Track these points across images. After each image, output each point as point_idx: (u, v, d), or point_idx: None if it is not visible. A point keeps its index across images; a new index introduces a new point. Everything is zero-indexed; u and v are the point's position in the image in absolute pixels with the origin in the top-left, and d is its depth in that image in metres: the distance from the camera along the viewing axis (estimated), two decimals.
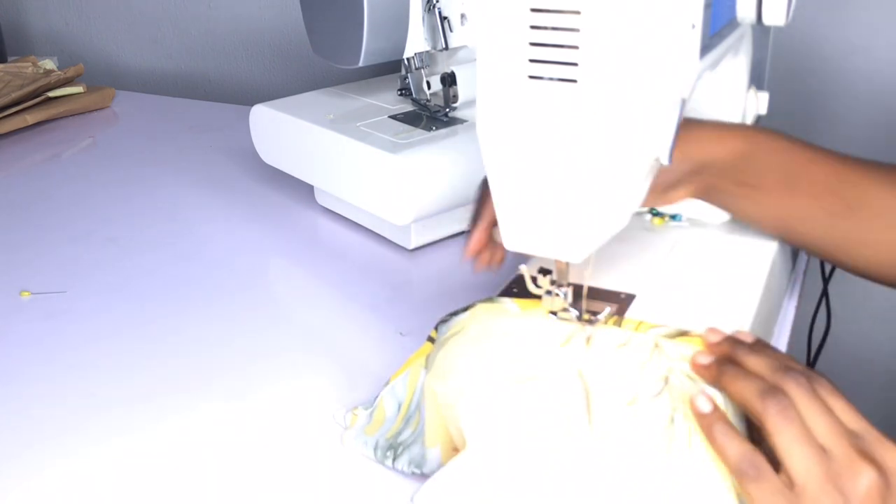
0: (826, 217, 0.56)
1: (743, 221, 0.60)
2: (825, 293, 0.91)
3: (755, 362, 0.44)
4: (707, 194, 0.58)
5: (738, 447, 0.41)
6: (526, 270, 0.50)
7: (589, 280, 0.50)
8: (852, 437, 0.40)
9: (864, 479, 0.39)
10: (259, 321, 0.70)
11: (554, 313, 0.49)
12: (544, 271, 0.49)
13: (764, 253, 0.60)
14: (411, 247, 0.80)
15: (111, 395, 0.60)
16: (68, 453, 0.55)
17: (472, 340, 0.49)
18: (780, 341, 0.63)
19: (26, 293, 0.74)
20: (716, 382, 0.44)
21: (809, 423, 0.40)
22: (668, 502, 0.41)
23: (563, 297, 0.49)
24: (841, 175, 0.56)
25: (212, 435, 0.56)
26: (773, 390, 0.41)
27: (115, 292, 0.75)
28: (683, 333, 0.48)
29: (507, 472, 0.44)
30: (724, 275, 0.57)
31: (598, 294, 0.54)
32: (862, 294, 1.06)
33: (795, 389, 0.41)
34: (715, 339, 0.47)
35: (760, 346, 0.46)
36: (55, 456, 0.55)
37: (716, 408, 0.42)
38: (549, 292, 0.49)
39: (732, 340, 0.46)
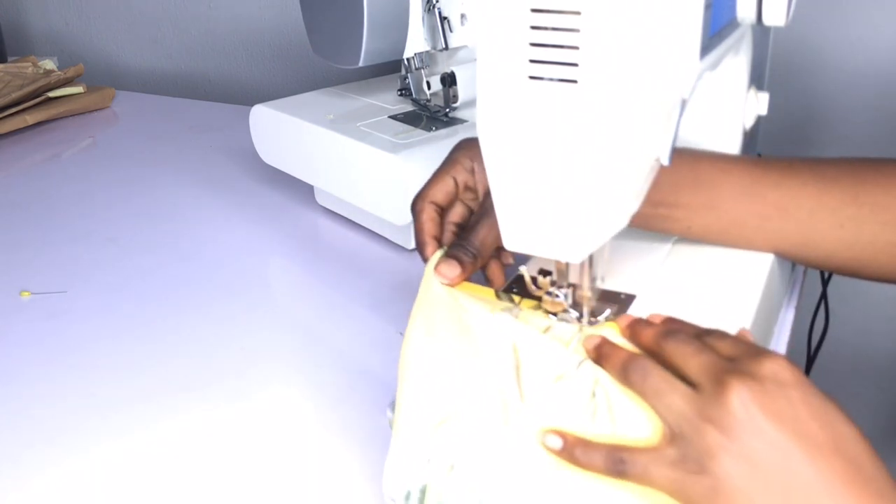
0: (759, 221, 0.55)
1: (681, 236, 0.59)
2: (824, 295, 0.91)
3: (643, 333, 0.44)
4: (639, 223, 0.55)
5: (598, 455, 0.40)
6: (526, 271, 0.50)
7: (599, 283, 0.49)
8: (722, 363, 0.39)
9: (734, 398, 0.37)
10: (259, 321, 0.70)
11: (554, 314, 0.49)
12: (544, 272, 0.49)
13: (764, 253, 0.59)
14: (411, 247, 0.80)
15: (111, 395, 0.61)
16: (68, 453, 0.55)
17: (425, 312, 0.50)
18: (780, 342, 0.63)
19: (26, 293, 0.74)
20: (599, 365, 0.44)
21: (681, 367, 0.40)
22: (595, 477, 0.42)
23: (562, 299, 0.49)
24: (760, 179, 0.55)
25: (212, 435, 0.56)
26: (631, 359, 0.41)
27: (115, 292, 0.75)
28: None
29: (450, 445, 0.45)
30: (725, 275, 0.57)
31: (598, 294, 0.54)
32: (861, 295, 1.06)
33: (670, 345, 0.41)
34: (623, 324, 0.46)
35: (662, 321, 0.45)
36: (55, 456, 0.55)
37: (565, 436, 0.42)
38: (549, 293, 0.49)
39: (636, 321, 0.46)
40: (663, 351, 0.42)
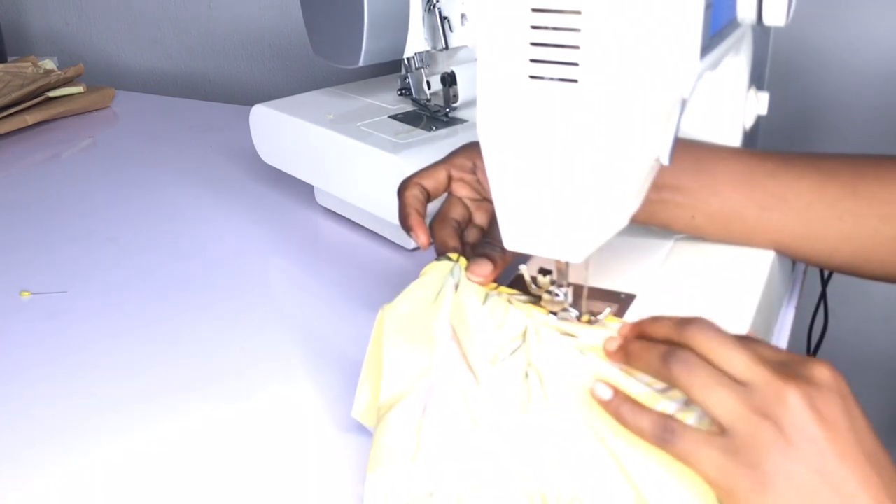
0: (759, 211, 0.55)
1: (677, 231, 0.59)
2: (823, 294, 0.91)
3: (656, 328, 0.44)
4: (645, 213, 0.55)
5: (648, 419, 0.41)
6: (526, 271, 0.50)
7: (590, 280, 0.50)
8: (773, 364, 0.39)
9: (792, 398, 0.37)
10: (259, 321, 0.70)
11: (554, 314, 0.49)
12: (544, 272, 0.49)
13: (764, 252, 0.59)
14: (411, 247, 0.80)
15: (111, 395, 0.60)
16: (68, 453, 0.55)
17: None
18: (780, 342, 0.63)
19: (26, 293, 0.74)
20: (627, 364, 0.44)
21: (724, 364, 0.40)
22: (532, 456, 0.43)
23: (562, 298, 0.49)
24: (756, 168, 0.55)
25: (212, 435, 0.56)
26: (672, 350, 0.41)
27: (115, 292, 0.75)
28: (535, 302, 0.50)
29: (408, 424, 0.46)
30: (725, 274, 0.57)
31: (598, 294, 0.54)
32: (860, 295, 1.06)
33: (701, 336, 0.41)
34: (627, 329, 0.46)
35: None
36: (55, 456, 0.55)
37: (616, 390, 0.42)
38: (549, 293, 0.49)
39: (642, 322, 0.46)
40: (698, 345, 0.41)
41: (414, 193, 0.55)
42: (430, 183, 0.56)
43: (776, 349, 0.42)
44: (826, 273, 0.89)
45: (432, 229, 0.55)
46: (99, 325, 0.70)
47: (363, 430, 0.55)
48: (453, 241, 0.54)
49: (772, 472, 0.37)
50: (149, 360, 0.65)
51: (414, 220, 0.54)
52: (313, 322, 0.71)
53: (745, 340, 0.42)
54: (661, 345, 0.42)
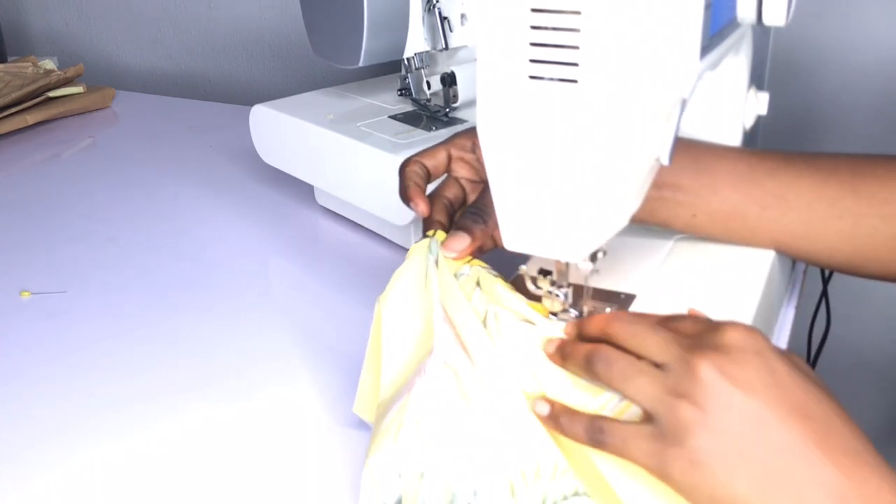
0: (759, 210, 0.55)
1: (678, 230, 0.59)
2: (825, 294, 0.91)
3: (588, 327, 0.44)
4: (646, 211, 0.55)
5: (580, 424, 0.41)
6: (526, 271, 0.50)
7: (590, 280, 0.50)
8: (685, 340, 0.40)
9: (703, 370, 0.38)
10: (259, 321, 0.70)
11: (554, 314, 0.49)
12: (544, 272, 0.49)
13: (764, 252, 0.59)
14: (411, 245, 0.80)
15: (111, 395, 0.60)
16: (68, 453, 0.55)
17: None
18: (780, 342, 0.63)
19: (26, 293, 0.74)
20: (563, 366, 0.44)
21: (641, 350, 0.41)
22: (525, 431, 0.43)
23: (562, 298, 0.49)
24: (756, 167, 0.55)
25: (212, 435, 0.56)
26: (592, 349, 0.42)
27: (115, 292, 0.75)
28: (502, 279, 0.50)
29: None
30: (725, 274, 0.57)
31: (598, 294, 0.54)
32: (861, 295, 1.06)
33: (618, 327, 0.42)
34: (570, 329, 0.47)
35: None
36: (55, 456, 0.55)
37: (553, 403, 0.43)
38: (549, 293, 0.49)
39: (579, 323, 0.46)
40: (616, 336, 0.42)
41: (414, 169, 0.55)
42: (430, 162, 0.56)
43: (698, 320, 0.42)
44: (827, 272, 0.89)
45: None
46: (99, 325, 0.70)
47: (364, 429, 0.55)
48: (440, 217, 0.54)
49: (698, 448, 0.37)
50: (149, 360, 0.65)
51: (413, 190, 0.54)
52: (313, 322, 0.71)
53: (665, 320, 0.42)
54: (586, 344, 0.43)
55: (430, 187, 0.57)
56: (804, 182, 0.54)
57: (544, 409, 0.43)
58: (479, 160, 0.57)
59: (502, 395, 0.45)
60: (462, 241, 0.51)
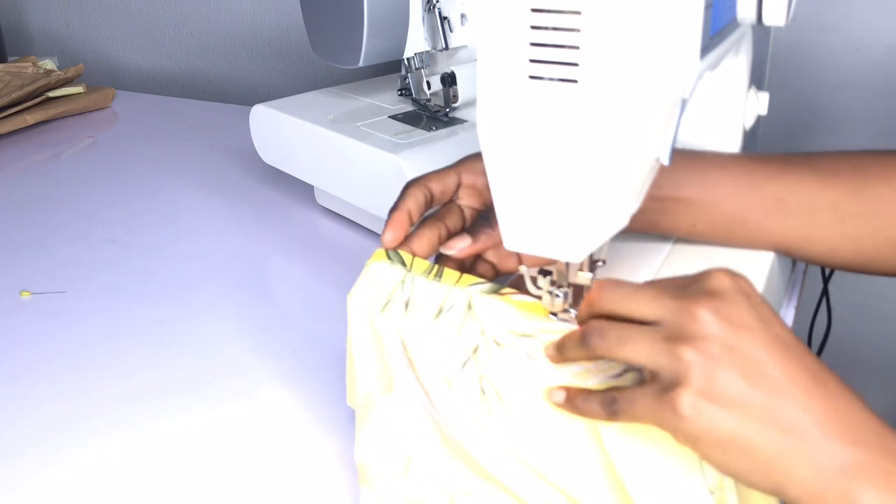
0: (760, 216, 0.55)
1: (680, 237, 0.59)
2: (825, 294, 0.91)
3: (579, 314, 0.44)
4: (635, 220, 0.53)
5: (596, 400, 0.41)
6: (526, 271, 0.50)
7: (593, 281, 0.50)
8: (674, 291, 0.40)
9: (702, 314, 0.38)
10: (259, 321, 0.70)
11: (554, 314, 0.49)
12: (544, 272, 0.49)
13: (764, 253, 0.59)
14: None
15: (111, 395, 0.60)
16: (68, 453, 0.55)
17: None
18: None
19: (26, 293, 0.74)
20: (563, 361, 0.44)
21: (632, 312, 0.40)
22: (499, 469, 0.43)
23: (563, 298, 0.49)
24: (755, 173, 0.55)
25: (212, 435, 0.56)
26: (584, 330, 0.42)
27: (115, 292, 0.75)
28: (497, 290, 0.49)
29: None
30: None
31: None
32: (861, 295, 1.06)
33: (602, 298, 0.42)
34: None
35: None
36: (55, 456, 0.55)
37: (567, 388, 0.43)
38: (549, 293, 0.49)
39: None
40: (605, 306, 0.42)
41: (416, 198, 0.52)
42: (437, 186, 0.53)
43: (674, 278, 0.41)
44: (827, 272, 0.89)
45: (418, 225, 0.53)
46: (99, 325, 0.70)
47: None
48: (423, 247, 0.50)
49: (703, 389, 0.37)
50: (149, 360, 0.65)
51: (394, 217, 0.50)
52: (313, 322, 0.71)
53: (646, 283, 0.42)
54: (576, 329, 0.43)
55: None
56: (805, 185, 0.54)
57: (560, 397, 0.43)
58: (489, 187, 0.55)
59: (469, 433, 0.44)
60: (463, 241, 0.50)
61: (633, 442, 0.42)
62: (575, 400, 0.42)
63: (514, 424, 0.44)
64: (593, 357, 0.42)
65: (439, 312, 0.48)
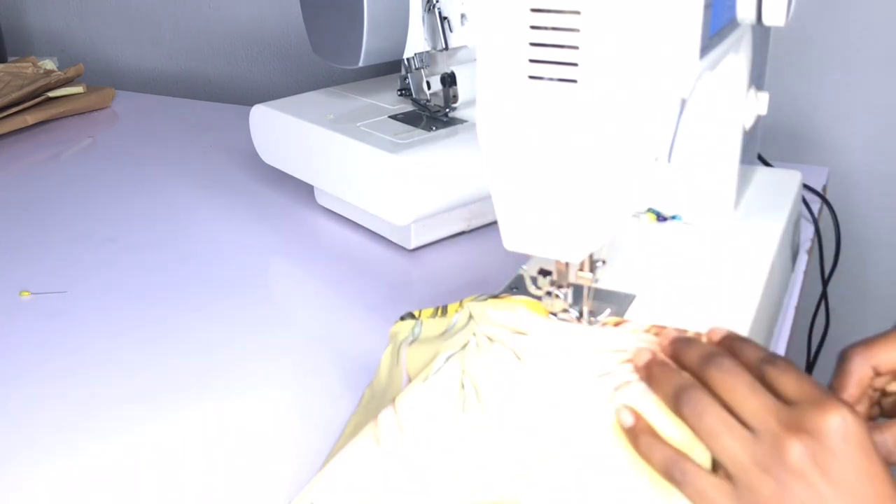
0: None
1: None
2: (824, 294, 0.91)
3: (686, 353, 0.43)
4: None
5: (662, 454, 0.40)
6: (526, 271, 0.50)
7: (595, 282, 0.50)
8: (783, 411, 0.38)
9: (793, 452, 0.37)
10: (259, 321, 0.70)
11: (554, 314, 0.49)
12: (544, 272, 0.49)
13: (764, 253, 0.59)
14: (411, 247, 0.80)
15: (111, 395, 0.60)
16: (68, 453, 0.55)
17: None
18: (780, 342, 0.63)
19: (26, 293, 0.74)
20: (647, 384, 0.43)
21: (735, 406, 0.39)
22: (468, 462, 0.43)
23: (563, 299, 0.49)
24: None
25: (212, 435, 0.56)
26: (685, 389, 0.41)
27: (115, 292, 0.75)
28: (494, 296, 0.50)
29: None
30: (724, 275, 0.57)
31: (598, 294, 0.54)
32: (861, 295, 1.06)
33: (717, 376, 0.40)
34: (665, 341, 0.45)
35: (701, 340, 0.45)
36: (55, 456, 0.55)
37: (638, 417, 0.42)
38: (549, 293, 0.49)
39: (678, 339, 0.45)
40: (712, 384, 0.40)
41: (864, 371, 0.47)
42: (885, 358, 0.47)
43: (798, 381, 0.39)
44: (827, 273, 0.89)
45: None
46: (99, 325, 0.70)
47: None
48: None
49: None
50: (149, 360, 0.65)
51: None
52: (313, 322, 0.71)
53: (768, 370, 0.40)
54: (678, 375, 0.42)
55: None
56: None
57: (628, 420, 0.42)
58: None
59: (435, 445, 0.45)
60: None
61: (612, 468, 0.41)
62: (640, 436, 0.41)
63: (487, 422, 0.44)
64: (675, 414, 0.41)
65: (443, 333, 0.49)
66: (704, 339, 0.46)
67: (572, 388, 0.44)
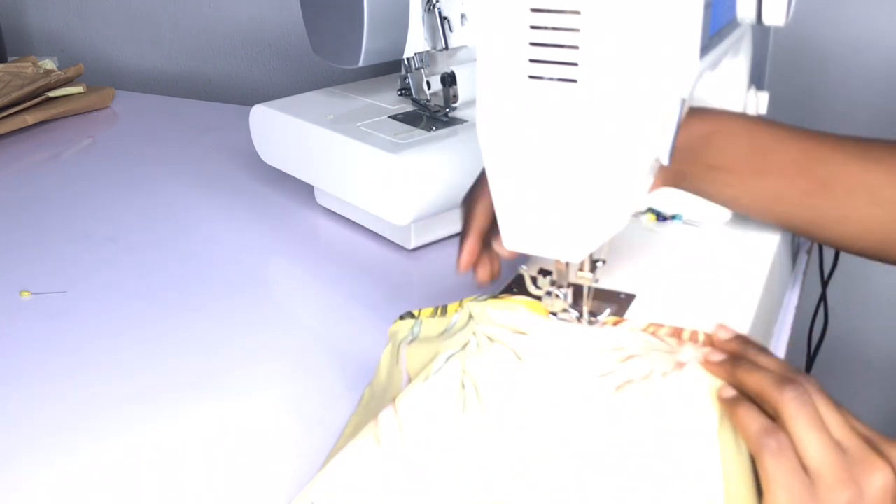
0: (800, 196, 0.56)
1: (720, 205, 0.60)
2: (823, 295, 0.91)
3: (766, 361, 0.44)
4: (678, 181, 0.57)
5: (761, 421, 0.41)
6: (526, 271, 0.50)
7: (595, 282, 0.50)
8: (863, 437, 0.40)
9: (880, 475, 0.39)
10: (259, 321, 0.70)
11: (554, 314, 0.49)
12: (544, 272, 0.49)
13: (764, 253, 0.60)
14: (411, 247, 0.80)
15: (111, 395, 0.60)
16: (68, 453, 0.55)
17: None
18: (780, 341, 0.63)
19: (26, 293, 0.74)
20: (731, 378, 0.44)
21: (800, 447, 0.40)
22: (468, 462, 0.43)
23: (563, 298, 0.49)
24: (810, 153, 0.56)
25: (212, 435, 0.56)
26: (789, 379, 0.41)
27: (115, 292, 0.75)
28: (494, 296, 0.51)
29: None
30: (724, 275, 0.58)
31: (598, 294, 0.54)
32: (860, 295, 1.06)
33: (809, 385, 0.42)
34: (725, 335, 0.47)
35: (765, 350, 0.46)
36: (55, 456, 0.55)
37: (741, 393, 0.43)
38: (549, 293, 0.49)
39: (742, 339, 0.46)
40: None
41: (484, 214, 0.53)
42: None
43: (860, 423, 0.42)
44: (826, 273, 0.89)
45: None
46: (99, 325, 0.70)
47: None
48: (484, 274, 0.54)
49: None
50: (149, 360, 0.65)
51: (474, 242, 0.53)
52: (313, 322, 0.71)
53: (841, 408, 0.42)
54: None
55: None
56: (848, 169, 0.55)
57: (729, 392, 0.43)
58: None
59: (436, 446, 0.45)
60: (485, 271, 0.52)
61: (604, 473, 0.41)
62: (740, 404, 0.42)
63: (487, 422, 0.44)
64: (760, 390, 0.42)
65: (442, 333, 0.49)
66: (702, 337, 0.47)
67: (572, 387, 0.44)
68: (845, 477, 0.39)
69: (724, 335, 0.47)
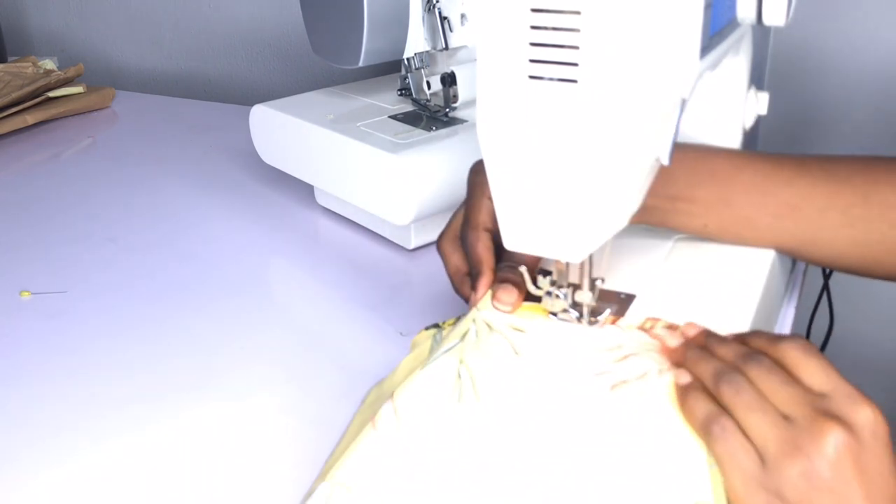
0: (771, 220, 0.56)
1: (690, 234, 0.59)
2: (828, 294, 0.91)
3: (722, 350, 0.44)
4: (644, 217, 0.56)
5: (705, 408, 0.41)
6: (526, 271, 0.50)
7: (599, 283, 0.50)
8: (818, 401, 0.39)
9: (831, 439, 0.38)
10: (259, 321, 0.70)
11: (554, 314, 0.49)
12: (544, 272, 0.49)
13: (764, 252, 0.59)
14: (411, 247, 0.80)
15: (111, 395, 0.60)
16: (68, 453, 0.55)
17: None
18: None
19: (26, 293, 0.74)
20: (680, 365, 0.45)
21: (770, 397, 0.40)
22: (465, 461, 0.43)
23: (563, 298, 0.49)
24: (771, 177, 0.56)
25: (212, 435, 0.56)
26: (728, 371, 0.42)
27: (115, 292, 0.75)
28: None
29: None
30: (724, 275, 0.57)
31: (598, 294, 0.54)
32: (863, 295, 1.06)
33: (755, 370, 0.42)
34: (692, 332, 0.47)
35: (732, 339, 0.46)
36: (55, 456, 0.55)
37: (694, 380, 0.43)
38: (549, 293, 0.49)
39: (709, 333, 0.47)
40: (748, 374, 0.42)
41: (486, 245, 0.52)
42: (491, 221, 0.52)
43: (827, 375, 0.41)
44: (828, 270, 0.89)
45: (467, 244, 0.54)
46: (99, 325, 0.70)
47: None
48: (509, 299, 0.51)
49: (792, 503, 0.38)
50: (149, 360, 0.65)
51: (485, 283, 0.51)
52: (313, 322, 0.71)
53: (798, 369, 0.42)
54: (716, 361, 0.43)
55: None
56: (818, 191, 0.55)
57: (684, 379, 0.43)
58: None
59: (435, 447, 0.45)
60: (512, 294, 0.50)
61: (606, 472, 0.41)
62: (690, 391, 0.42)
63: (482, 414, 0.44)
64: (713, 394, 0.42)
65: (464, 337, 0.49)
66: (679, 333, 0.48)
67: (568, 385, 0.44)
68: (791, 449, 0.38)
69: (691, 331, 0.47)
